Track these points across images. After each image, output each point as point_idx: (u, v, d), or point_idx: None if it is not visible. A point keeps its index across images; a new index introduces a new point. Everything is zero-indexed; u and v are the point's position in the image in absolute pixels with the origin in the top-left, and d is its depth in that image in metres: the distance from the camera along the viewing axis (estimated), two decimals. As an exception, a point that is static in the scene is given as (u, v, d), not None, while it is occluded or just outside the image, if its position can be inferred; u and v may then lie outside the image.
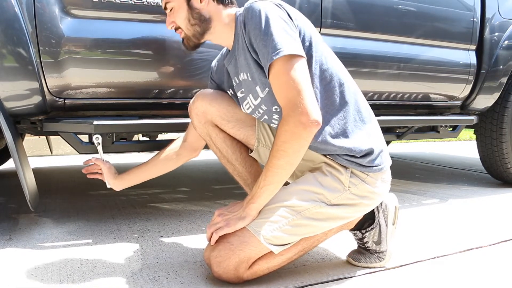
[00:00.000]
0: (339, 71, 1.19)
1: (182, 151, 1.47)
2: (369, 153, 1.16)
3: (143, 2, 1.58)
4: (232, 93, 1.35)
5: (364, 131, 1.18)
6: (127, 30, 1.59)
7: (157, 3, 1.58)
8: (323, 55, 1.17)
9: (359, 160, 1.15)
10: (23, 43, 1.41)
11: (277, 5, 1.12)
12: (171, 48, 1.66)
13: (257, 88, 1.19)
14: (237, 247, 1.11)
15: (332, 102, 1.16)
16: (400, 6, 2.04)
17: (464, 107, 2.45)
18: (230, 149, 1.34)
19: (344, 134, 1.15)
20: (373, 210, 1.32)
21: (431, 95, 2.27)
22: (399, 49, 2.09)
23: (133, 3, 1.56)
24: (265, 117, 1.25)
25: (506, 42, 2.35)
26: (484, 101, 2.41)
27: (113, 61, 1.58)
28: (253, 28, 1.09)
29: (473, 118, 2.36)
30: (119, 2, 1.54)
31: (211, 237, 1.14)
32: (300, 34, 1.13)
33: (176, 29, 1.28)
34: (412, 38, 2.12)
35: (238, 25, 1.19)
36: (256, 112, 1.26)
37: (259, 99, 1.21)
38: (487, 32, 2.33)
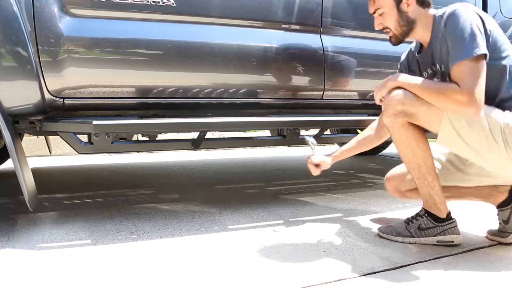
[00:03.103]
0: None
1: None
2: None
3: (142, 1, 1.57)
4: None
5: None
6: (126, 29, 1.58)
7: (156, 2, 1.57)
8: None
9: None
10: (22, 42, 1.40)
11: (475, 12, 1.34)
12: (171, 47, 1.65)
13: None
14: None
15: None
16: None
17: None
18: None
19: None
20: None
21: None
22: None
23: (132, 2, 1.56)
24: None
25: (507, 42, 2.34)
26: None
27: (112, 60, 1.58)
28: (452, 29, 1.34)
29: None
30: (118, 1, 1.53)
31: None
32: (490, 36, 1.34)
33: (384, 29, 1.52)
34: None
35: (436, 24, 1.43)
36: None
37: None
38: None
